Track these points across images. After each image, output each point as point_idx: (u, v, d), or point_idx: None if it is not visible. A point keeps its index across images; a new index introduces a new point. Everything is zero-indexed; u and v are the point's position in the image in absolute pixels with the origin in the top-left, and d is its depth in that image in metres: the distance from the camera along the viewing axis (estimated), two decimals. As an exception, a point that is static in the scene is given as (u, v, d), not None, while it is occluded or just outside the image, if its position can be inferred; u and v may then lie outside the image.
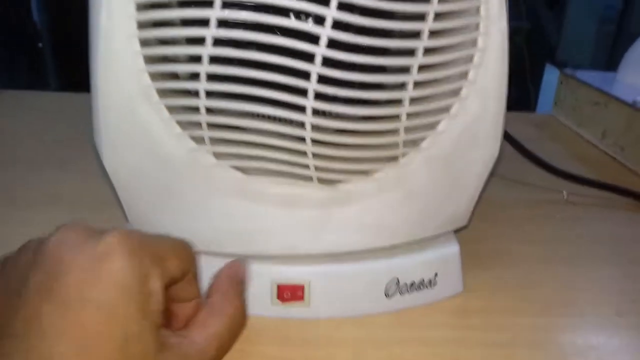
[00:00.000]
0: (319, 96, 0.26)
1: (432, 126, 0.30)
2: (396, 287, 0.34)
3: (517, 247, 0.42)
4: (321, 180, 0.29)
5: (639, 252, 0.43)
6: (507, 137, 0.53)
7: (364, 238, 0.32)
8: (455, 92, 0.29)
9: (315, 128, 0.27)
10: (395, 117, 0.28)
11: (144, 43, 0.26)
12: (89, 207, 0.45)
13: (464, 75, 0.29)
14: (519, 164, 0.54)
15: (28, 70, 1.55)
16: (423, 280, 0.35)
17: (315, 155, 0.28)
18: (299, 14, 0.26)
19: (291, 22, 0.25)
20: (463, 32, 0.28)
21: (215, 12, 0.24)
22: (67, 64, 1.47)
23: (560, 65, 1.53)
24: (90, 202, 0.45)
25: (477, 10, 0.28)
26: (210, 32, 0.25)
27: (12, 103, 0.69)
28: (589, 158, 0.61)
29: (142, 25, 0.26)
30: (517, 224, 0.46)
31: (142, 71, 0.27)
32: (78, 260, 0.21)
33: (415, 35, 0.27)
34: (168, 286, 0.23)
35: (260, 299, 0.32)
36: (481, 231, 0.44)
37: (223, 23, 0.25)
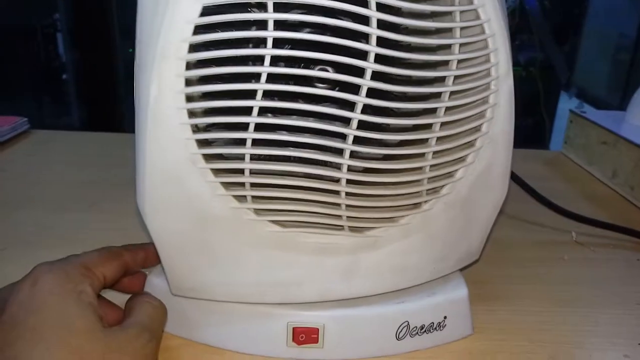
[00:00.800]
0: (353, 155, 0.29)
1: (451, 175, 0.33)
2: (407, 330, 0.36)
3: (525, 288, 0.43)
4: (352, 229, 0.32)
5: (646, 294, 0.44)
6: (516, 178, 0.54)
7: (391, 280, 0.35)
8: (471, 144, 0.32)
9: (350, 182, 0.30)
10: (420, 169, 0.31)
11: (192, 114, 0.28)
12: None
13: (478, 128, 0.32)
14: (528, 204, 0.56)
15: (53, 100, 1.62)
16: (433, 323, 0.36)
17: (348, 207, 0.31)
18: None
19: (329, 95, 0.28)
20: (478, 92, 0.31)
21: (262, 85, 0.27)
22: (89, 94, 1.53)
23: (577, 93, 1.54)
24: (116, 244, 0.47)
25: (489, 72, 0.31)
26: (257, 103, 0.27)
27: (41, 143, 0.72)
28: (600, 197, 0.62)
29: (190, 98, 0.28)
30: (526, 265, 0.47)
31: (189, 140, 0.28)
32: (17, 295, 0.28)
33: (437, 96, 0.30)
34: (104, 287, 0.31)
35: (276, 341, 0.34)
36: (490, 273, 0.45)
37: (268, 92, 0.27)
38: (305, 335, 0.34)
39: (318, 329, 0.34)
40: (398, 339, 0.35)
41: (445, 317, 0.36)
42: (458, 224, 0.35)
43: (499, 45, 0.31)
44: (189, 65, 0.27)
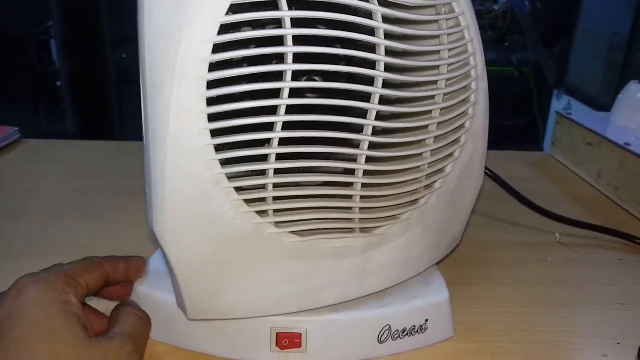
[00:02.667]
0: (369, 160, 0.32)
1: (442, 170, 0.35)
2: (389, 334, 0.36)
3: (507, 290, 0.44)
4: (362, 230, 0.34)
5: (627, 294, 0.44)
6: (499, 180, 0.55)
7: (397, 273, 0.37)
8: (458, 141, 0.35)
9: (363, 186, 0.32)
10: (419, 168, 0.34)
11: (214, 134, 0.28)
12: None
13: (463, 126, 0.35)
14: (512, 206, 0.57)
15: (47, 107, 1.62)
16: (414, 326, 0.37)
17: (361, 210, 0.33)
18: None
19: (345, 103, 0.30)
20: (463, 92, 0.34)
21: (284, 101, 0.28)
22: (83, 100, 1.53)
23: (570, 92, 1.55)
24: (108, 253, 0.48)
25: (470, 73, 0.34)
26: (280, 118, 0.28)
27: (33, 152, 0.72)
28: (585, 198, 0.64)
29: (212, 118, 0.28)
30: (508, 267, 0.48)
31: (213, 160, 0.29)
32: (1, 307, 0.29)
33: (431, 98, 0.33)
34: (88, 295, 0.32)
35: (259, 346, 0.35)
36: (472, 274, 0.46)
37: (290, 108, 0.28)
38: (288, 340, 0.35)
39: (301, 334, 0.35)
40: (380, 342, 0.36)
41: (426, 320, 0.37)
42: (447, 214, 0.38)
43: (476, 49, 0.34)
44: (209, 85, 0.27)
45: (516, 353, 0.37)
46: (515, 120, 1.75)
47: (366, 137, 0.31)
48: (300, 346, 0.35)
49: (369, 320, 0.36)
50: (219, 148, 0.29)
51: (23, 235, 0.51)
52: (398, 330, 0.37)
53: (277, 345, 0.35)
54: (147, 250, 0.40)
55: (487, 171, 0.56)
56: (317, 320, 0.35)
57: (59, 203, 0.58)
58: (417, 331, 0.37)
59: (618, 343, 0.39)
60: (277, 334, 0.35)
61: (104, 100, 1.50)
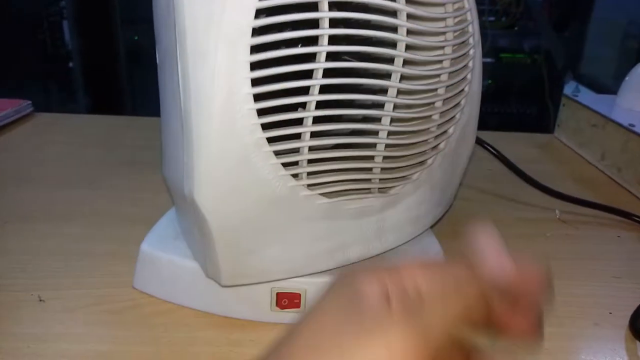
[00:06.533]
0: (392, 121, 0.35)
1: (446, 132, 0.39)
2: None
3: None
4: (380, 190, 0.37)
5: (622, 268, 0.46)
6: (503, 158, 0.56)
7: (408, 230, 0.41)
8: (459, 104, 0.38)
9: (386, 147, 0.35)
10: (428, 130, 0.37)
11: (257, 98, 0.30)
12: (112, 223, 0.49)
13: (463, 89, 0.38)
14: (516, 185, 0.57)
15: (60, 88, 1.65)
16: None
17: (382, 170, 0.36)
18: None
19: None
20: (463, 59, 0.37)
21: (320, 64, 0.30)
22: (94, 81, 1.56)
23: (583, 80, 1.54)
24: (113, 219, 0.50)
25: (468, 40, 0.37)
26: (317, 82, 0.30)
27: (45, 125, 0.75)
28: (589, 178, 0.65)
29: (255, 83, 0.29)
30: (506, 240, 0.49)
31: (255, 124, 0.30)
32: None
33: (439, 63, 0.36)
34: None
35: (260, 305, 0.37)
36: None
37: (326, 71, 0.30)
38: (288, 300, 0.37)
39: (300, 294, 0.37)
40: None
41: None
42: (448, 173, 0.41)
43: (473, 18, 0.37)
44: (251, 50, 0.29)
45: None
46: (527, 107, 1.74)
47: (391, 99, 0.34)
48: (299, 306, 0.37)
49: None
50: (260, 112, 0.30)
51: (29, 201, 0.53)
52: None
53: (277, 305, 0.37)
54: (154, 218, 0.41)
55: (491, 149, 0.57)
56: (316, 281, 0.37)
57: (66, 172, 0.60)
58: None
59: (610, 313, 0.40)
60: (277, 293, 0.37)
61: (116, 80, 1.51)
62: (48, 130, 0.73)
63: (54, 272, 0.42)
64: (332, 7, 0.30)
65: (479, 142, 0.56)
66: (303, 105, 0.31)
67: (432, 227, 0.44)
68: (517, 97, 1.71)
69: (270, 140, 0.31)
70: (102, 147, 0.67)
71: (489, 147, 0.58)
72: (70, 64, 1.58)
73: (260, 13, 0.28)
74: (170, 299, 0.39)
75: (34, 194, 0.54)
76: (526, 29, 1.66)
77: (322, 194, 0.34)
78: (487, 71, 1.58)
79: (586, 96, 0.73)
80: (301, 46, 0.30)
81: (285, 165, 0.32)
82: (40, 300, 0.38)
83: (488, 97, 1.58)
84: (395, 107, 0.34)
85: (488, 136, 0.60)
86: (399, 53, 0.32)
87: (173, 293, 0.39)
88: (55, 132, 0.73)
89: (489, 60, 1.60)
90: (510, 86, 1.65)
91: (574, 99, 0.72)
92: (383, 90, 0.34)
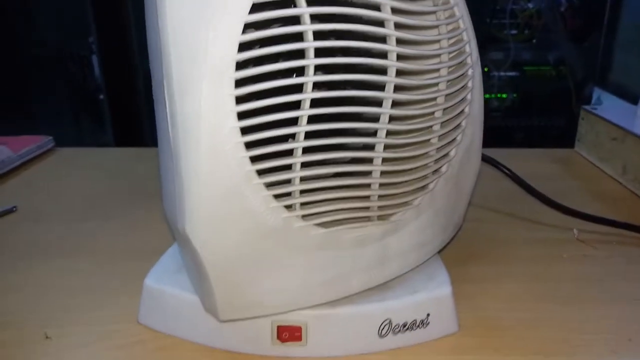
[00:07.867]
0: (385, 147, 0.34)
1: (447, 155, 0.38)
2: (389, 328, 0.37)
3: (517, 286, 0.44)
4: (380, 217, 0.37)
5: (640, 290, 0.43)
6: (514, 177, 0.55)
7: (413, 257, 0.40)
8: (459, 125, 0.38)
9: (381, 174, 0.35)
10: (427, 154, 0.37)
11: (244, 131, 0.30)
12: (124, 257, 0.50)
13: (463, 111, 0.38)
14: (532, 204, 0.56)
15: (92, 120, 1.70)
16: (415, 320, 0.37)
17: (379, 197, 0.35)
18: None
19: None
20: (461, 80, 0.37)
21: (307, 94, 0.30)
22: (119, 114, 1.60)
23: (614, 90, 1.50)
24: (125, 252, 0.50)
25: (466, 60, 0.37)
26: (305, 112, 0.30)
27: (65, 159, 0.77)
28: (610, 194, 0.62)
29: (241, 116, 0.29)
30: (522, 263, 0.48)
31: (244, 157, 0.30)
32: None
33: (434, 86, 0.36)
34: None
35: (261, 339, 0.36)
36: (483, 271, 0.46)
37: (314, 101, 0.30)
38: (288, 333, 0.36)
39: (301, 327, 0.36)
40: (380, 336, 0.37)
41: (428, 315, 0.38)
42: (452, 197, 0.40)
43: (470, 37, 0.37)
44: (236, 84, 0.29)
45: (519, 348, 0.37)
46: (555, 120, 1.70)
47: (383, 126, 0.33)
48: (300, 339, 0.36)
49: (369, 314, 0.37)
50: (248, 145, 0.30)
51: (43, 235, 0.54)
52: (399, 325, 0.37)
53: (277, 338, 0.36)
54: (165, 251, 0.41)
55: (503, 168, 0.56)
56: (318, 314, 0.36)
57: (82, 206, 0.61)
58: (419, 326, 0.38)
59: (630, 340, 0.38)
60: (278, 327, 0.36)
61: (137, 112, 1.55)
62: (67, 164, 0.75)
63: (62, 308, 0.42)
64: (314, 19, 0.29)
65: (491, 161, 0.55)
66: (293, 136, 0.31)
67: (439, 251, 0.43)
68: (543, 110, 1.68)
69: (260, 172, 0.31)
70: (119, 179, 0.68)
71: (501, 167, 0.56)
72: (101, 96, 1.63)
73: (244, 46, 0.29)
74: (174, 333, 0.39)
75: (48, 229, 0.55)
76: (548, 41, 1.64)
77: (318, 224, 0.34)
78: (512, 85, 1.55)
79: (605, 109, 0.70)
80: (288, 76, 0.30)
81: (277, 196, 0.32)
82: (47, 338, 0.39)
83: (514, 112, 1.55)
84: (390, 133, 0.34)
85: (504, 153, 0.59)
86: (391, 76, 0.32)
87: (176, 327, 0.39)
88: (74, 166, 0.75)
89: (512, 74, 1.58)
90: (536, 99, 1.62)
91: (593, 112, 0.70)
92: (376, 119, 0.34)
